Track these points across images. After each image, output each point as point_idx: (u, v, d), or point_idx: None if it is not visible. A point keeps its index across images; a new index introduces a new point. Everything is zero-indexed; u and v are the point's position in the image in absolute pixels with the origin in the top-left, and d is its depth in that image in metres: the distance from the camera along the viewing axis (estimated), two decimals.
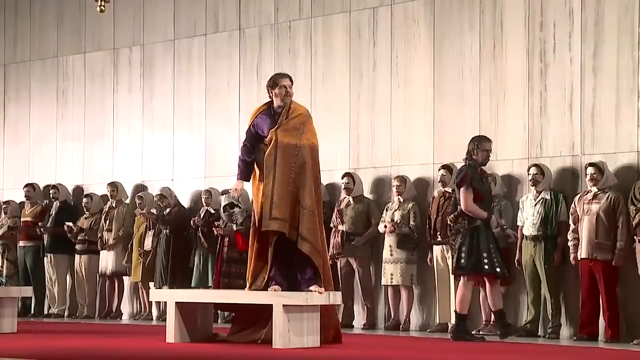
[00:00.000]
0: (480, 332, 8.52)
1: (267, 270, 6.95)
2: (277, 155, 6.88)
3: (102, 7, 9.55)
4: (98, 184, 11.94)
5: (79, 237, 11.52)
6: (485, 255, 7.88)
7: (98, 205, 11.64)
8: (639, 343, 7.86)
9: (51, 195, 11.89)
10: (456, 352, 6.88)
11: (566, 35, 8.89)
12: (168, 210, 10.90)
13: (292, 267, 7.00)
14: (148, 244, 10.85)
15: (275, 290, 6.87)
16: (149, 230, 10.87)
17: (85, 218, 11.59)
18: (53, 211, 11.76)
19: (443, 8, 9.66)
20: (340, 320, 7.60)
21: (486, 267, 7.88)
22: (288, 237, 6.87)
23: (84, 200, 11.69)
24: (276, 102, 7.09)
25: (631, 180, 8.31)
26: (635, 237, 8.07)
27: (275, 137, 6.91)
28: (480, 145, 7.98)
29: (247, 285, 7.07)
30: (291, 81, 7.13)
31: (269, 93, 7.14)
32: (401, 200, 9.47)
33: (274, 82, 7.09)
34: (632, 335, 8.09)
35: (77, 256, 11.60)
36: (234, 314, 7.80)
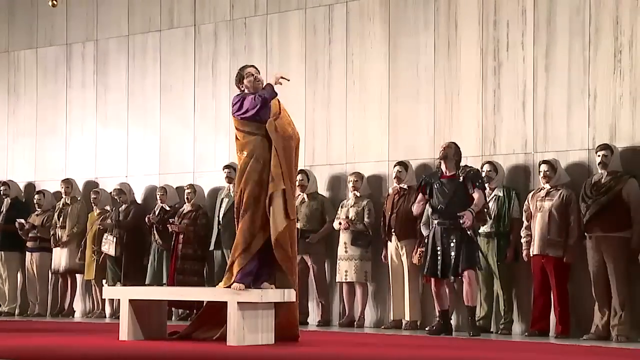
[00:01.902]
0: (427, 328, 8.58)
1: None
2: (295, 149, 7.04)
3: (54, 2, 9.42)
4: (50, 181, 11.80)
5: (30, 234, 11.38)
6: (429, 255, 8.23)
7: (51, 202, 11.50)
8: (588, 338, 7.97)
9: (2, 192, 11.73)
10: (410, 347, 6.92)
11: (519, 34, 8.98)
12: (124, 206, 10.82)
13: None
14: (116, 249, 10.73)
15: (240, 289, 6.74)
16: (113, 230, 10.71)
17: (37, 215, 11.45)
18: (4, 208, 11.61)
19: (398, 6, 9.70)
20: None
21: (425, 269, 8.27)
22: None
23: (36, 196, 11.55)
24: (249, 92, 7.03)
25: (582, 178, 8.42)
26: (586, 234, 8.18)
27: (294, 132, 7.09)
28: None
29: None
30: (256, 69, 7.13)
31: (239, 89, 7.11)
32: (357, 195, 9.50)
33: (240, 75, 7.10)
34: (582, 331, 8.20)
35: (28, 253, 11.46)
36: (196, 312, 7.72)
